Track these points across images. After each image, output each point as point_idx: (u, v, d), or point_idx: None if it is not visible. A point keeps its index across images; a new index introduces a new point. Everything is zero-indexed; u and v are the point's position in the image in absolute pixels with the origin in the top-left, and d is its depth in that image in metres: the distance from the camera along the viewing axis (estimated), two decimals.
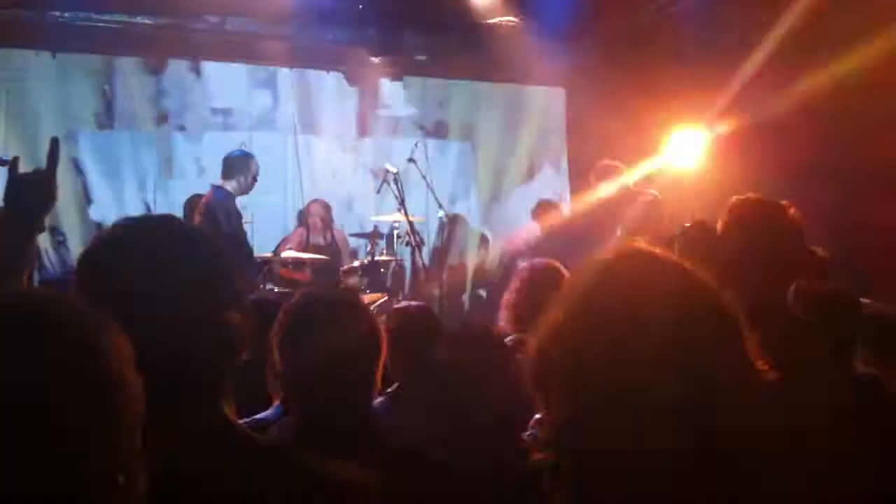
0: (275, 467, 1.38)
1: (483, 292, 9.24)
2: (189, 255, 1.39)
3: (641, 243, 1.18)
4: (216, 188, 6.41)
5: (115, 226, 1.45)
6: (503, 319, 3.64)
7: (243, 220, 6.62)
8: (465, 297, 9.33)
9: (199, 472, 1.24)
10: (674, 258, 1.16)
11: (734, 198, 2.55)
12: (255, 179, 6.50)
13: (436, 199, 7.42)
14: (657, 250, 1.17)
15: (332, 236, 8.20)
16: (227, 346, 1.36)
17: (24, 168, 1.77)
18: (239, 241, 6.37)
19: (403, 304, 4.09)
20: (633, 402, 1.03)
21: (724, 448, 1.04)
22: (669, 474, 1.02)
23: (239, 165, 6.47)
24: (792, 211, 2.52)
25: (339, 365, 1.89)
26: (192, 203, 6.99)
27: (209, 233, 1.58)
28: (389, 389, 3.11)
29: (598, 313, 1.10)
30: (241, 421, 1.88)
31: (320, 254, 7.44)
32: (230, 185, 6.41)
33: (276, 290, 6.58)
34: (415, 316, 3.55)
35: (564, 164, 9.79)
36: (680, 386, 1.03)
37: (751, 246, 2.27)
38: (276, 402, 2.38)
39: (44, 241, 7.90)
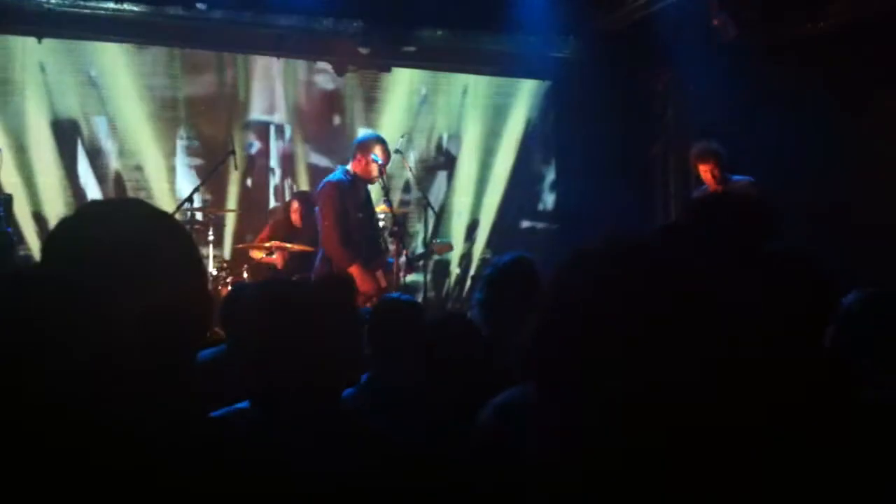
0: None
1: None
2: (141, 240, 1.37)
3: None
4: (338, 169, 6.31)
5: (78, 209, 1.45)
6: (476, 317, 3.63)
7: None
8: (449, 287, 9.38)
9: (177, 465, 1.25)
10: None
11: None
12: (376, 162, 6.14)
13: (421, 189, 7.44)
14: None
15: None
16: (182, 334, 1.35)
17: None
18: (332, 225, 6.03)
19: (390, 295, 4.09)
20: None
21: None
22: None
23: (358, 146, 6.29)
24: (755, 202, 2.54)
25: (314, 353, 1.87)
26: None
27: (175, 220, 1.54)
28: (362, 380, 3.13)
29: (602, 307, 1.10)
30: (217, 412, 1.90)
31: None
32: (349, 166, 6.24)
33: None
34: (396, 306, 3.57)
35: (552, 155, 9.82)
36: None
37: (711, 245, 2.29)
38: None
39: (31, 229, 7.92)
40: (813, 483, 1.94)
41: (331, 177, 6.29)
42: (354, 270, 5.92)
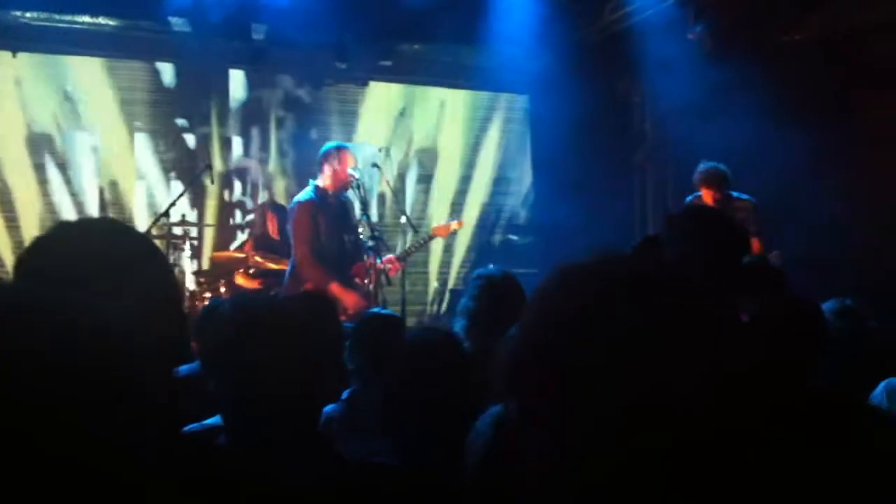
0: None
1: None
2: (114, 258, 1.36)
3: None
4: (309, 185, 6.16)
5: (49, 229, 1.44)
6: (459, 326, 3.63)
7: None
8: (428, 299, 9.38)
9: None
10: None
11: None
12: (344, 171, 6.03)
13: (398, 203, 7.43)
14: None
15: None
16: (156, 350, 1.34)
17: None
18: (304, 248, 5.96)
19: (372, 311, 4.07)
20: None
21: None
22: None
23: (323, 158, 6.14)
24: (731, 218, 2.56)
25: (289, 370, 1.82)
26: None
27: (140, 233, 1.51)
28: (345, 395, 3.12)
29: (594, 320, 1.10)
30: (189, 427, 1.88)
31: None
32: (318, 181, 6.12)
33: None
34: (379, 322, 3.56)
35: (529, 169, 9.85)
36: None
37: (688, 260, 2.31)
38: None
39: (5, 242, 7.85)
40: (810, 488, 1.95)
41: (300, 197, 6.18)
42: (334, 288, 5.86)
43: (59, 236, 1.43)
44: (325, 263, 6.00)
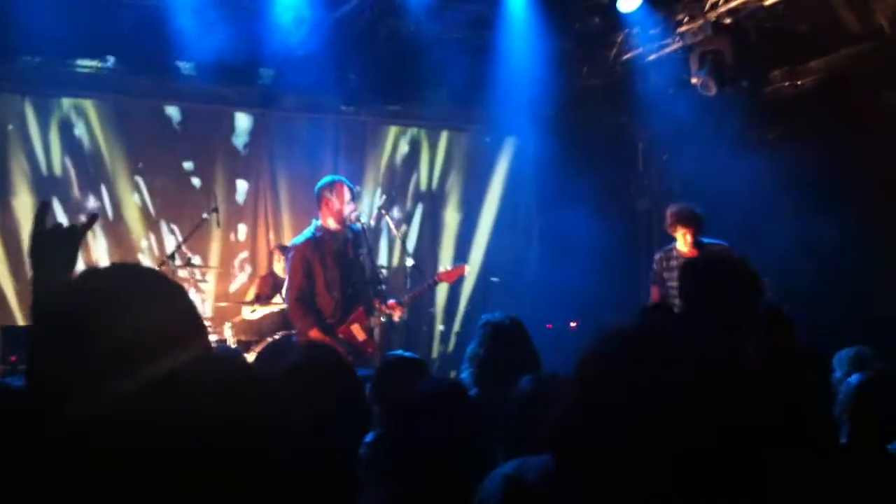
0: None
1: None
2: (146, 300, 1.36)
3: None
4: (311, 225, 5.93)
5: (79, 275, 1.43)
6: (467, 373, 3.62)
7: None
8: (434, 342, 9.36)
9: None
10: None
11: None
12: (341, 205, 5.82)
13: (404, 246, 7.43)
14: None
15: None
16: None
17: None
18: (290, 293, 5.84)
19: (394, 353, 4.02)
20: None
21: None
22: None
23: (319, 193, 5.90)
24: (743, 267, 2.56)
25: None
26: None
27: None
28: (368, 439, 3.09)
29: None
30: None
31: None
32: (322, 220, 5.88)
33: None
34: (401, 366, 3.54)
35: (534, 211, 9.86)
36: None
37: (705, 308, 2.30)
38: None
39: (10, 288, 7.86)
40: None
41: (297, 239, 6.03)
42: (314, 336, 5.67)
43: (87, 282, 1.42)
44: (329, 305, 5.83)
